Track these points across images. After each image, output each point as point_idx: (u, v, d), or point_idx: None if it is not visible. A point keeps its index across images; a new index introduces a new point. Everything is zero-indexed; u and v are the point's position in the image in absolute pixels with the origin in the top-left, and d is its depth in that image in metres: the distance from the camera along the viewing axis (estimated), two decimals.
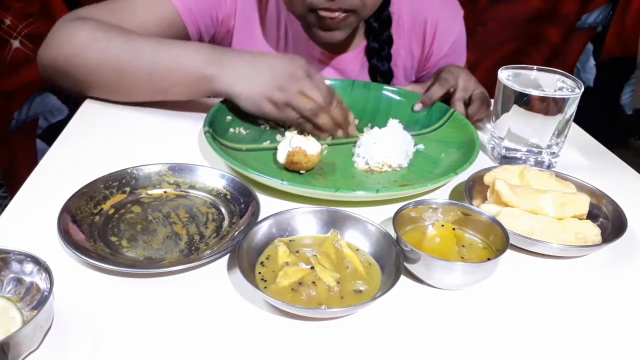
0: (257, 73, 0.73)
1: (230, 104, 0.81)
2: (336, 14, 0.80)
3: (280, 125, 0.81)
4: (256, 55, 0.76)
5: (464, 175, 0.68)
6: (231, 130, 0.78)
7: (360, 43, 0.97)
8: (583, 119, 0.89)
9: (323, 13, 0.80)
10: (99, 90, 0.81)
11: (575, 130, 0.91)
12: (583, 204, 0.62)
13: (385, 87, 0.92)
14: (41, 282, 0.46)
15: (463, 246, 0.56)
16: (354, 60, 0.97)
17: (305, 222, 0.57)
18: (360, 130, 0.80)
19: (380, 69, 0.96)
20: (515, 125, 0.74)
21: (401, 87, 0.94)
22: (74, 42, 0.77)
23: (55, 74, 0.80)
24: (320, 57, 0.95)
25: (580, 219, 0.61)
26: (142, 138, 0.76)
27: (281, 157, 0.68)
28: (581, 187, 0.67)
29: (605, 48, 1.79)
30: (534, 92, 0.70)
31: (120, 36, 0.76)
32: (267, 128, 0.80)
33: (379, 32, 0.94)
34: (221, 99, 0.82)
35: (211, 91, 0.75)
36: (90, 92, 0.82)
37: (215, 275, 0.52)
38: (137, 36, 0.77)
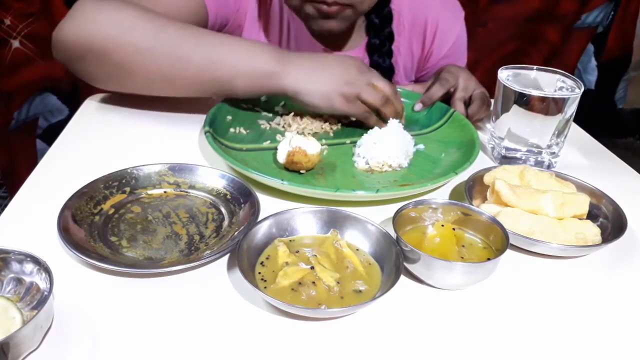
0: (325, 69, 0.74)
1: (230, 104, 0.82)
2: (332, 8, 0.80)
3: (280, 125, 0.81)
4: (318, 55, 0.77)
5: (464, 175, 0.68)
6: (231, 130, 0.78)
7: (361, 41, 0.97)
8: (583, 119, 0.89)
9: (319, 5, 0.80)
10: (136, 76, 0.74)
11: (575, 130, 0.91)
12: (583, 204, 0.62)
13: None
14: (41, 282, 0.46)
15: (463, 246, 0.56)
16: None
17: (305, 222, 0.57)
18: (362, 131, 0.79)
19: (382, 65, 0.96)
20: (515, 125, 0.74)
21: (401, 87, 0.94)
22: (118, 20, 0.71)
23: (80, 54, 0.73)
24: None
25: (580, 219, 0.61)
26: (142, 138, 0.76)
27: (281, 157, 0.68)
28: (581, 187, 0.67)
29: (607, 48, 1.79)
30: (534, 92, 0.70)
31: (173, 20, 0.73)
32: (268, 128, 0.80)
33: (380, 28, 0.94)
34: (221, 99, 0.82)
35: (275, 87, 0.74)
36: (121, 78, 0.75)
37: (215, 275, 0.52)
38: (192, 24, 0.74)
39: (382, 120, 0.79)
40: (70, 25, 0.73)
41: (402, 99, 0.89)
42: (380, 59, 0.96)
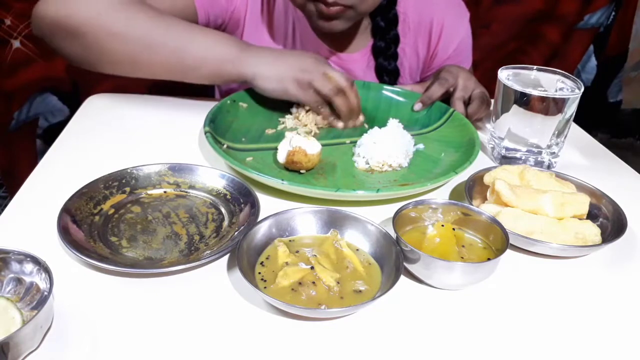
0: (282, 58, 0.78)
1: (230, 103, 0.81)
2: (332, 9, 0.80)
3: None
4: (277, 48, 0.82)
5: (464, 175, 0.68)
6: (231, 130, 0.77)
7: (367, 43, 0.97)
8: (582, 118, 0.89)
9: (320, 6, 0.80)
10: (106, 58, 0.77)
11: (575, 130, 0.91)
12: (583, 204, 0.62)
13: (385, 87, 0.92)
14: (41, 282, 0.46)
15: (463, 246, 0.56)
16: (361, 59, 0.97)
17: (305, 222, 0.57)
18: (362, 131, 0.79)
19: (387, 68, 0.96)
20: (515, 125, 0.74)
21: (401, 86, 0.94)
22: (95, 3, 0.74)
23: (58, 32, 0.75)
24: (328, 55, 0.96)
25: (580, 219, 0.61)
26: (142, 138, 0.76)
27: (281, 157, 0.68)
28: (581, 187, 0.67)
29: (608, 48, 1.79)
30: (534, 92, 0.70)
31: (147, 9, 0.77)
32: (271, 132, 0.80)
33: (385, 30, 0.94)
34: (221, 99, 0.82)
35: (236, 73, 0.77)
36: (98, 59, 0.77)
37: (215, 275, 0.52)
38: (163, 13, 0.78)
39: (337, 115, 0.81)
40: (51, 2, 0.75)
41: (402, 99, 0.89)
42: (386, 61, 0.96)
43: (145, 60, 0.76)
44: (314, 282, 0.49)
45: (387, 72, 0.97)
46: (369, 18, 0.94)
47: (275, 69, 0.77)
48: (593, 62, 1.82)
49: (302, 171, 0.68)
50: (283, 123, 0.81)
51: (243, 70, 0.77)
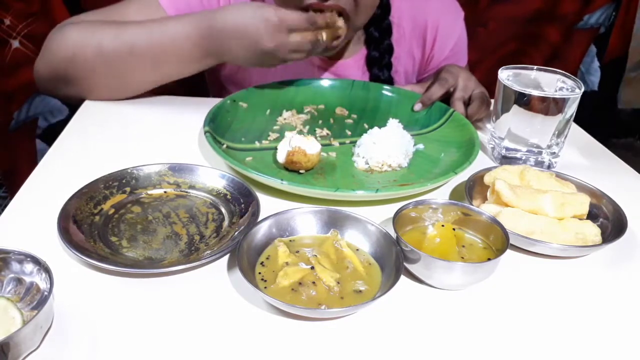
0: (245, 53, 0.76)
1: (230, 103, 0.81)
2: (327, 14, 0.79)
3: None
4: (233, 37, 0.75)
5: (463, 175, 0.68)
6: (231, 130, 0.77)
7: (360, 49, 0.97)
8: (586, 119, 0.89)
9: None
10: (100, 87, 0.81)
11: (575, 130, 0.91)
12: (583, 204, 0.62)
13: (385, 87, 0.92)
14: (41, 282, 0.46)
15: (463, 246, 0.56)
16: (355, 66, 0.97)
17: (305, 222, 0.57)
18: (362, 131, 0.79)
19: (381, 78, 0.96)
20: (515, 125, 0.74)
21: (401, 87, 0.94)
22: (66, 45, 0.78)
23: (55, 81, 0.81)
24: (320, 63, 0.95)
25: (580, 219, 0.61)
26: (142, 138, 0.76)
27: (281, 157, 0.68)
28: (581, 187, 0.67)
29: (609, 49, 1.79)
30: (534, 92, 0.70)
31: (111, 29, 0.78)
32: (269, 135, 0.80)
33: (379, 41, 0.94)
34: (221, 99, 0.82)
35: (211, 59, 0.78)
36: (92, 92, 0.82)
37: (215, 275, 0.52)
38: (125, 24, 0.78)
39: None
40: (40, 57, 0.82)
41: (402, 99, 0.89)
42: (380, 72, 0.96)
43: (126, 75, 0.79)
44: (314, 282, 0.49)
45: (382, 82, 0.97)
46: (362, 28, 0.94)
47: (248, 63, 0.77)
48: (596, 63, 1.81)
49: (301, 171, 0.68)
50: (284, 120, 0.82)
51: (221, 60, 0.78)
